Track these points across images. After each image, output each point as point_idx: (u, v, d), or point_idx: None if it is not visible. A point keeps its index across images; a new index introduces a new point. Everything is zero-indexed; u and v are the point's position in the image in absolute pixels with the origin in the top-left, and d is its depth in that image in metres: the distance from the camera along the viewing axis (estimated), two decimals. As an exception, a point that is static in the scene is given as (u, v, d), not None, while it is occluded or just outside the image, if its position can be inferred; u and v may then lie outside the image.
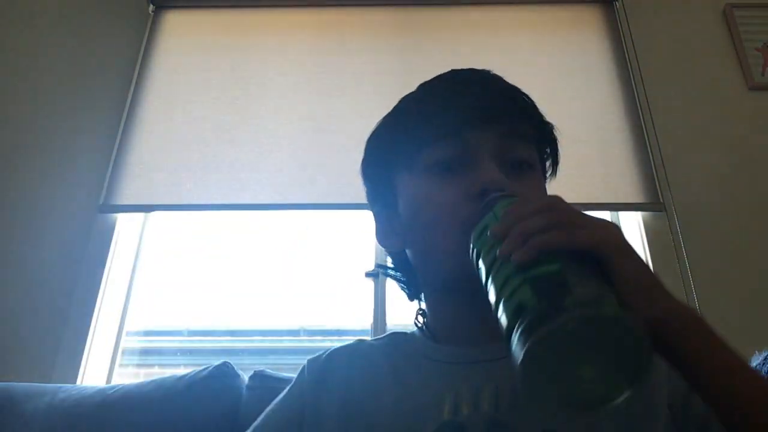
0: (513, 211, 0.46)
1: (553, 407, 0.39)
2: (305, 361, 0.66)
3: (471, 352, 0.59)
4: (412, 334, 0.67)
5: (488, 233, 0.45)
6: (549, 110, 0.66)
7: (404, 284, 0.70)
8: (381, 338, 0.69)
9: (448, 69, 0.66)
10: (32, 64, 1.84)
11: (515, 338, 0.37)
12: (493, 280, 0.42)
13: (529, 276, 0.39)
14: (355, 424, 0.57)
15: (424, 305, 0.68)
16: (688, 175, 1.63)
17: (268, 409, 0.64)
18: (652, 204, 1.59)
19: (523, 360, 0.36)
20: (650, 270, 0.44)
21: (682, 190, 1.61)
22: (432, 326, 0.65)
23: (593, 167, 1.62)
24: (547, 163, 0.68)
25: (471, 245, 0.47)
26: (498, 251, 0.43)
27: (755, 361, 0.81)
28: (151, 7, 1.90)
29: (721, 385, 0.41)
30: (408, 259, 0.66)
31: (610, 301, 0.38)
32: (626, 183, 1.61)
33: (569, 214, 0.44)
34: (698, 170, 1.64)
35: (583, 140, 1.64)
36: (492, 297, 0.42)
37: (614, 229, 0.44)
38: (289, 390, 0.65)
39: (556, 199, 0.47)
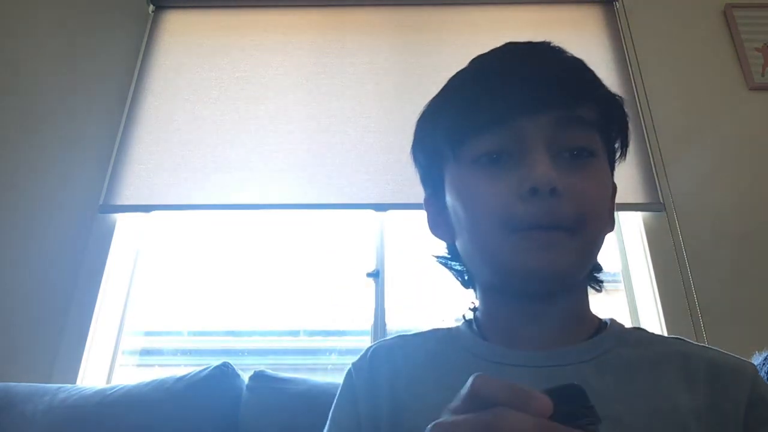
0: None
1: None
2: (350, 366, 0.63)
3: (526, 355, 0.54)
4: (457, 329, 0.63)
5: None
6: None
7: (458, 273, 0.66)
8: (422, 333, 0.65)
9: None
10: (32, 64, 1.84)
11: None
12: None
13: None
14: (402, 427, 0.54)
15: (476, 300, 0.63)
16: (688, 175, 1.63)
17: (327, 426, 0.60)
18: (652, 204, 1.59)
19: None
20: None
21: (682, 190, 1.61)
22: (483, 323, 0.61)
23: (593, 167, 1.62)
24: (616, 145, 0.61)
25: None
26: None
27: (755, 361, 0.81)
28: (151, 7, 1.90)
29: None
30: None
31: None
32: (626, 183, 1.60)
33: None
34: (698, 170, 1.64)
35: (583, 140, 1.64)
36: None
37: None
38: (338, 400, 0.61)
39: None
